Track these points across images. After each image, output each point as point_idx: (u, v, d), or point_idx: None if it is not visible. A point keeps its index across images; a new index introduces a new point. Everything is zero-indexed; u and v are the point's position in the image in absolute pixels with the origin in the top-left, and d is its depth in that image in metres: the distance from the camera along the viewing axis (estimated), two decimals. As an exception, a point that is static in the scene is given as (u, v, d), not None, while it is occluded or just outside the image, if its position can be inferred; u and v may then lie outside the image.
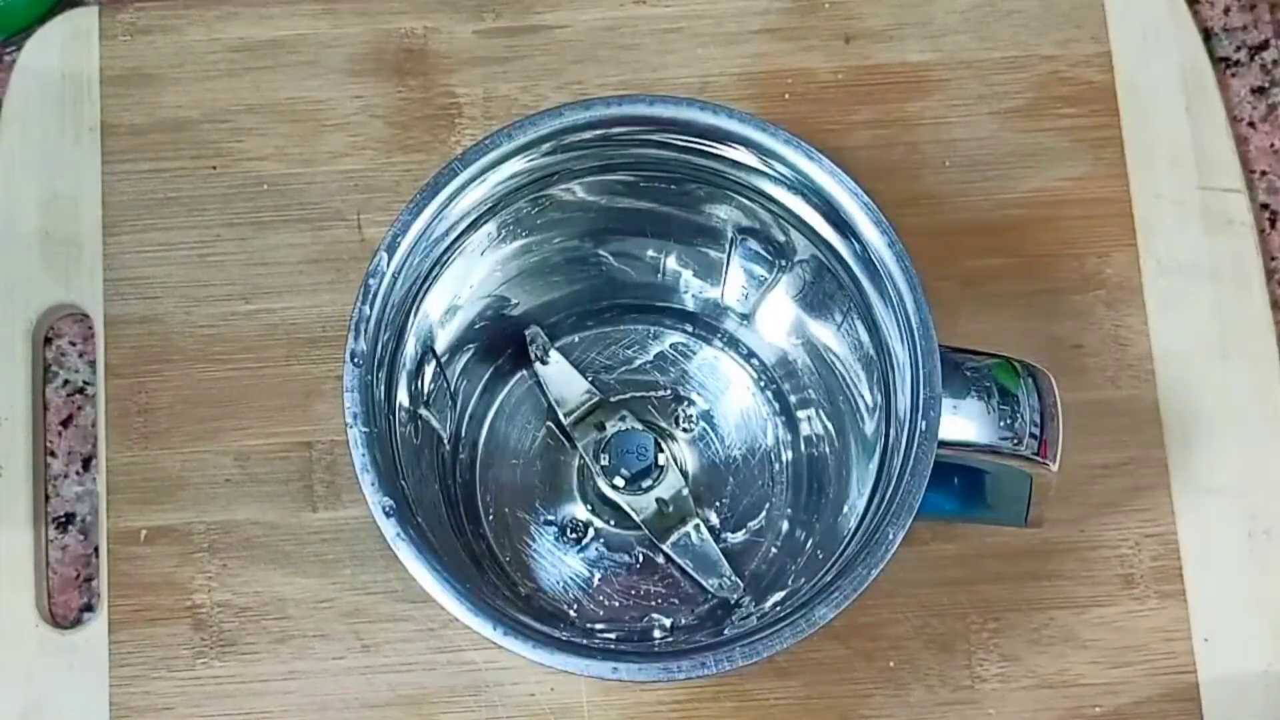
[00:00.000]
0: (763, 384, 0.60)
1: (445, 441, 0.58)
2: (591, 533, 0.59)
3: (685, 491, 0.58)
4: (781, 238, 0.55)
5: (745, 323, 0.60)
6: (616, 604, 0.58)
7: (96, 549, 0.61)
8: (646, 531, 0.57)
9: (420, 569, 0.49)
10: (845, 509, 0.55)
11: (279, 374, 0.62)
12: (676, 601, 0.58)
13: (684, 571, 0.58)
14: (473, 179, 0.53)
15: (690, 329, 0.61)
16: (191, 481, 0.61)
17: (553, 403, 0.59)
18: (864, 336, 0.54)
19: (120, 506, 0.61)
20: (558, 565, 0.59)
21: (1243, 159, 0.65)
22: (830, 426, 0.58)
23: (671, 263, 0.59)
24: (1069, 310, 0.63)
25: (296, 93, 0.65)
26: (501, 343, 0.60)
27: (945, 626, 0.60)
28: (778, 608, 0.53)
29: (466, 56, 0.65)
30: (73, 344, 0.63)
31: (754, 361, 0.60)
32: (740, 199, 0.55)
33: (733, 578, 0.57)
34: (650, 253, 0.59)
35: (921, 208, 0.63)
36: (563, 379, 0.59)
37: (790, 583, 0.56)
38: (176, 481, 0.61)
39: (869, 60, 0.65)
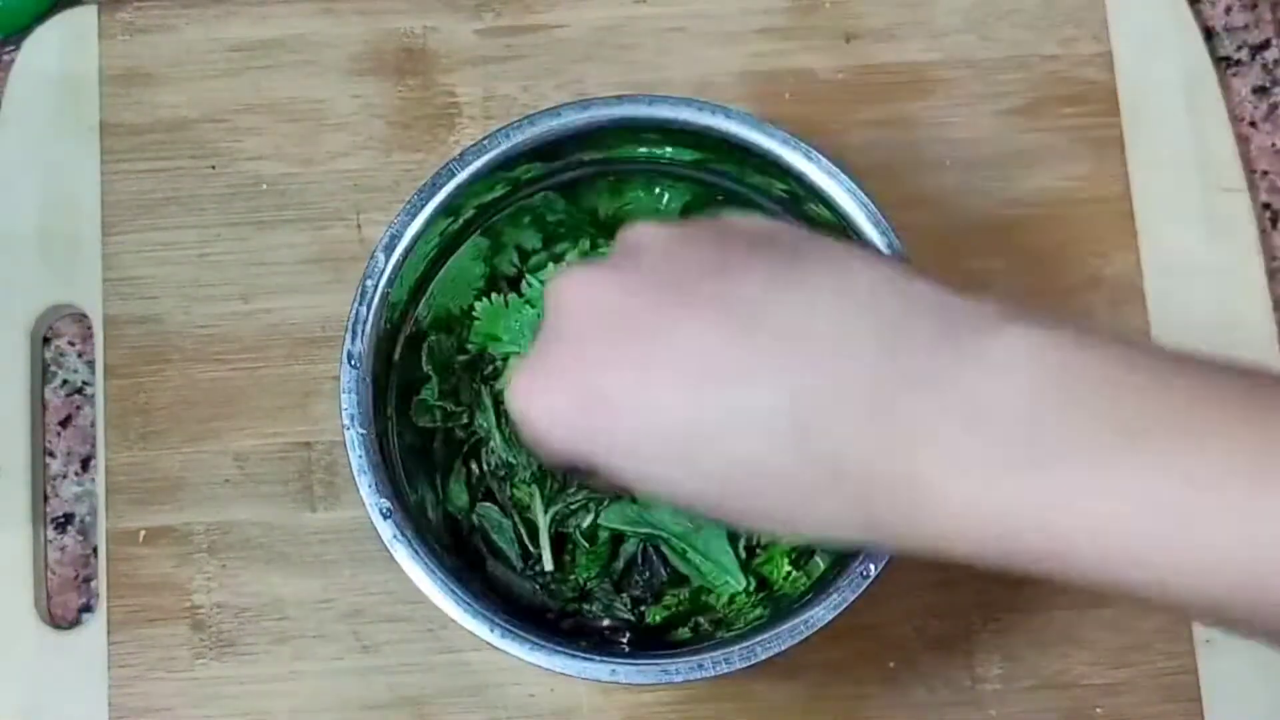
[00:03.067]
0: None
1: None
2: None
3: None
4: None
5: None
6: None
7: (95, 549, 0.61)
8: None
9: (417, 570, 0.49)
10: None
11: (278, 374, 0.62)
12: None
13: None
14: (472, 179, 0.53)
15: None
16: (191, 482, 0.61)
17: None
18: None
19: (119, 507, 0.61)
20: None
21: (1244, 159, 0.65)
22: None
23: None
24: (1069, 310, 0.62)
25: (296, 93, 0.65)
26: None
27: (946, 627, 0.60)
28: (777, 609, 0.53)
29: (466, 56, 0.65)
30: (72, 344, 0.63)
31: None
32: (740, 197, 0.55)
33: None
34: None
35: (921, 208, 0.63)
36: None
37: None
38: (176, 482, 0.61)
39: (869, 60, 0.65)
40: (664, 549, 0.56)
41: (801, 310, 0.39)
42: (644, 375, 0.40)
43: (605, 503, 0.56)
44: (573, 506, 0.56)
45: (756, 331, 0.39)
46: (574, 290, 0.42)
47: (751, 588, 0.55)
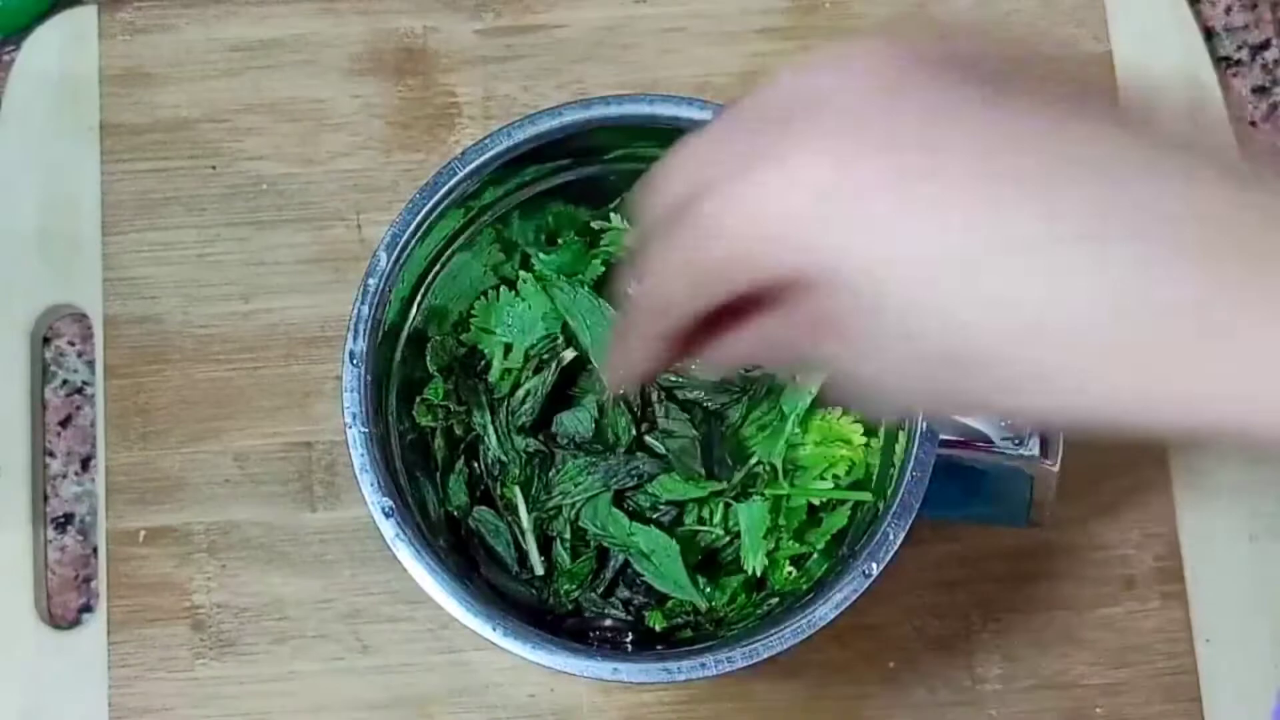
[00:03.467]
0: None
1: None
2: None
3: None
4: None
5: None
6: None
7: (95, 549, 0.61)
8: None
9: (419, 569, 0.49)
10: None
11: (278, 374, 0.62)
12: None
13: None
14: (473, 178, 0.53)
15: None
16: (191, 482, 0.61)
17: None
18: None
19: (119, 507, 0.61)
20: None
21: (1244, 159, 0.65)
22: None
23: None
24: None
25: (296, 92, 0.65)
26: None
27: (946, 627, 0.60)
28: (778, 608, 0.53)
29: (466, 56, 0.65)
30: (71, 344, 0.63)
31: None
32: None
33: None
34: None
35: (922, 207, 0.63)
36: None
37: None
38: (176, 482, 0.61)
39: (869, 60, 0.65)
40: (633, 565, 0.56)
41: (1089, 133, 0.35)
42: (913, 166, 0.33)
43: (580, 505, 0.55)
44: (549, 511, 0.55)
45: (1046, 148, 0.34)
46: (817, 73, 0.35)
47: (714, 604, 0.55)
